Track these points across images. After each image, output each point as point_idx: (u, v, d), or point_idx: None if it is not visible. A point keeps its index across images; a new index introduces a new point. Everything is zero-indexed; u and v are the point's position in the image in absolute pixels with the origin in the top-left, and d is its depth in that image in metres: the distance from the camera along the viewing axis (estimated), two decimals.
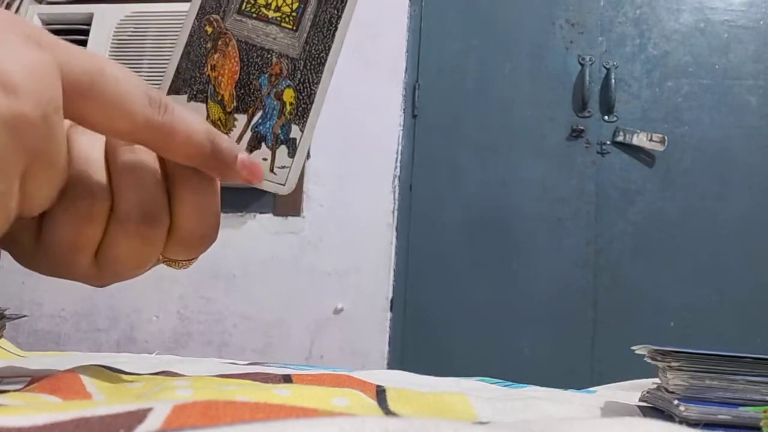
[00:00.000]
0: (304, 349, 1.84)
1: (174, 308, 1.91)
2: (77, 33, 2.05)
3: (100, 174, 0.30)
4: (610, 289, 1.88)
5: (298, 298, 1.86)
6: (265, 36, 0.35)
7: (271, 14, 0.35)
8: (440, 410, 0.37)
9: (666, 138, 1.90)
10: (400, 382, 0.46)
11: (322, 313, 1.85)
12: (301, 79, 0.35)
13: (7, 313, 0.56)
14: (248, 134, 0.34)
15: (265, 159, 0.34)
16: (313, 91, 0.35)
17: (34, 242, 0.31)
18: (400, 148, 1.93)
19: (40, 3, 2.11)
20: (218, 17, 0.34)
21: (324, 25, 0.35)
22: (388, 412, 0.36)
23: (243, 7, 0.35)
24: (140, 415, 0.20)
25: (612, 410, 0.43)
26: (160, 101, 0.29)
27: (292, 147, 0.34)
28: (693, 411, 0.37)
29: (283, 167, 0.34)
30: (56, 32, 2.11)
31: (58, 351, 0.69)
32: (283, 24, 0.35)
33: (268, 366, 0.58)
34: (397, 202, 1.90)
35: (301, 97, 0.35)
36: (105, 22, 2.04)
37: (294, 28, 0.35)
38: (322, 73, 0.35)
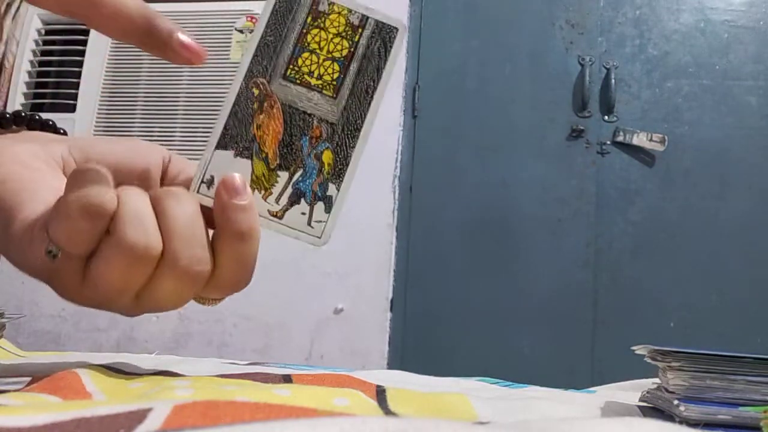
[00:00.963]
0: (304, 349, 1.84)
1: None
2: (77, 33, 2.06)
3: (151, 223, 0.33)
4: (610, 289, 1.88)
5: (299, 298, 1.86)
6: (307, 101, 0.38)
7: (313, 82, 0.38)
8: (440, 410, 0.37)
9: (666, 138, 1.90)
10: (400, 382, 0.46)
11: (322, 313, 1.85)
12: (339, 143, 0.38)
13: (7, 313, 0.56)
14: (289, 190, 0.37)
15: (303, 213, 0.37)
16: (349, 154, 0.38)
17: (80, 280, 0.33)
18: (400, 148, 1.93)
19: None
20: (264, 81, 0.37)
21: (361, 94, 0.38)
22: (388, 412, 0.36)
23: (288, 73, 0.38)
24: (140, 415, 0.20)
25: (612, 410, 0.43)
26: None
27: (329, 204, 0.38)
28: (693, 411, 0.37)
29: (320, 222, 0.38)
30: (56, 32, 2.11)
31: (58, 351, 0.69)
32: (324, 91, 0.38)
33: (268, 366, 0.58)
34: (397, 203, 1.90)
35: (338, 159, 0.38)
36: None
37: (334, 95, 0.38)
38: (358, 138, 0.38)
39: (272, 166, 0.37)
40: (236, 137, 0.37)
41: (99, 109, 1.92)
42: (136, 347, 1.88)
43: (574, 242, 1.91)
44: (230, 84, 0.37)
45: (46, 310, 1.94)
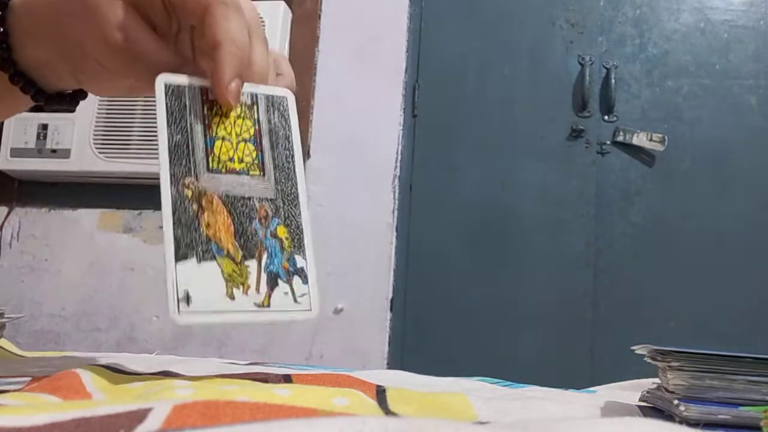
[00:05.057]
0: (304, 349, 1.84)
1: None
2: None
3: None
4: (610, 290, 1.88)
5: None
6: (240, 186, 0.38)
7: (237, 166, 0.38)
8: (440, 410, 0.37)
9: (666, 138, 1.90)
10: (400, 382, 0.46)
11: (322, 313, 1.85)
12: (285, 215, 0.39)
13: (6, 313, 0.56)
14: (263, 276, 0.37)
15: (286, 293, 0.37)
16: (299, 223, 0.39)
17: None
18: (400, 148, 1.93)
19: None
20: (192, 179, 0.37)
21: (284, 165, 0.40)
22: (388, 412, 0.36)
23: (211, 165, 0.38)
24: (140, 415, 0.20)
25: (612, 410, 0.43)
26: None
27: (304, 275, 0.39)
28: (693, 411, 0.37)
29: (304, 295, 0.38)
30: None
31: (58, 351, 0.69)
32: (251, 172, 0.39)
33: (268, 366, 0.58)
34: (397, 202, 1.90)
35: (291, 230, 0.39)
36: None
37: (262, 173, 0.39)
38: (299, 205, 0.39)
39: (238, 260, 0.36)
40: (190, 244, 0.35)
41: (99, 109, 1.92)
42: (136, 347, 1.88)
43: (574, 242, 1.91)
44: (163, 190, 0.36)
45: (46, 310, 1.94)
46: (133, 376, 0.40)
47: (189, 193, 0.36)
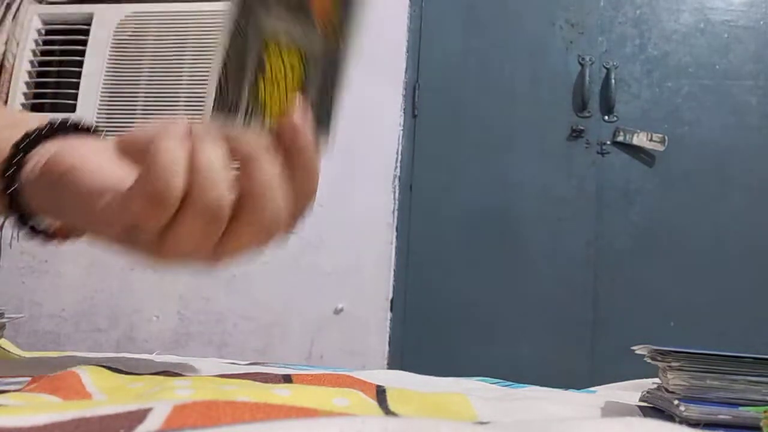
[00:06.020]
0: (304, 349, 1.84)
1: (174, 308, 1.91)
2: (77, 33, 2.05)
3: (225, 180, 0.34)
4: (610, 289, 1.88)
5: (298, 298, 1.86)
6: None
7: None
8: (440, 410, 0.37)
9: (666, 138, 1.90)
10: (400, 382, 0.46)
11: (322, 313, 1.85)
12: None
13: (7, 313, 0.56)
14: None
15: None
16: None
17: (161, 246, 0.35)
18: (400, 148, 1.93)
19: (40, 3, 2.11)
20: None
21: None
22: (388, 412, 0.36)
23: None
24: (140, 415, 0.20)
25: (612, 410, 0.43)
26: None
27: None
28: (693, 411, 0.37)
29: None
30: (56, 32, 2.11)
31: (58, 351, 0.69)
32: None
33: (268, 366, 0.58)
34: (397, 202, 1.90)
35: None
36: (105, 22, 2.04)
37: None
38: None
39: None
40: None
41: (99, 109, 1.92)
42: (136, 347, 1.88)
43: (574, 242, 1.91)
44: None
45: (46, 310, 1.94)
46: (133, 376, 0.40)
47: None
